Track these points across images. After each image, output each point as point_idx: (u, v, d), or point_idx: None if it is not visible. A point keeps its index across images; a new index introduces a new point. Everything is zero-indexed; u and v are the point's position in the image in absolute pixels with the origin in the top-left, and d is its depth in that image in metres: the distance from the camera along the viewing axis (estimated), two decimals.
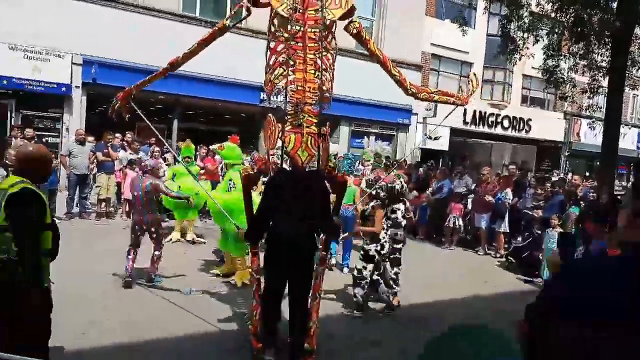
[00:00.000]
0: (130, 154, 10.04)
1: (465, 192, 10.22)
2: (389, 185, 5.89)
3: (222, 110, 15.43)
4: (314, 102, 3.92)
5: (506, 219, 9.31)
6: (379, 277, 5.74)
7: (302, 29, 3.91)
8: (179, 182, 7.70)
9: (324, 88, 4.01)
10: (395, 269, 5.81)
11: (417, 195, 10.50)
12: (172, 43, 12.63)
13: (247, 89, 13.59)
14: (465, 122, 19.36)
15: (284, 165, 4.19)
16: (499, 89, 20.30)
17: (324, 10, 3.97)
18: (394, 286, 5.78)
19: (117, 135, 10.77)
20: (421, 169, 12.62)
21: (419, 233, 10.70)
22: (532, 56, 13.12)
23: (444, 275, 7.62)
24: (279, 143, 4.01)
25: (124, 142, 10.59)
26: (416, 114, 17.56)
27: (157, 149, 10.62)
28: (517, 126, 20.93)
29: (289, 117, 3.93)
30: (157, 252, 5.90)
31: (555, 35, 13.02)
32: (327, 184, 4.12)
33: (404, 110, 16.96)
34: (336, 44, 4.17)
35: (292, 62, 3.92)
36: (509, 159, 16.80)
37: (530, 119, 21.13)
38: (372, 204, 5.69)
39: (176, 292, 5.59)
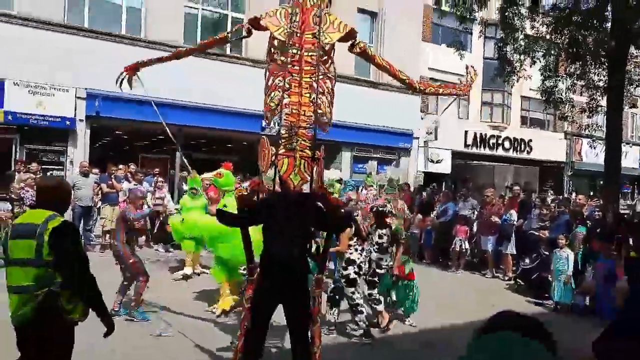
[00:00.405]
0: (134, 184, 10.07)
1: (470, 215, 10.18)
2: (380, 208, 5.90)
3: (224, 139, 15.55)
4: (308, 125, 3.90)
5: (512, 240, 9.24)
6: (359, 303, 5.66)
7: (298, 52, 3.93)
8: (185, 215, 7.51)
9: (320, 112, 4.00)
10: (370, 291, 5.77)
11: (422, 218, 10.46)
12: (173, 73, 12.88)
13: (249, 118, 13.70)
14: (466, 145, 19.43)
15: (277, 188, 4.12)
16: (498, 111, 20.45)
17: (322, 34, 3.99)
18: (374, 305, 5.76)
19: (121, 166, 10.83)
20: (424, 193, 12.61)
21: (425, 257, 10.61)
22: (530, 77, 13.27)
23: (452, 299, 7.52)
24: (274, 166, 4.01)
25: (127, 174, 10.64)
26: (417, 138, 17.65)
27: (160, 179, 10.67)
28: (519, 147, 20.97)
29: (283, 140, 3.92)
30: (125, 283, 5.83)
31: (552, 57, 13.23)
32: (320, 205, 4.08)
33: (405, 134, 17.06)
34: (335, 69, 4.20)
35: (287, 86, 3.93)
36: (511, 181, 16.77)
37: (531, 140, 21.19)
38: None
39: (148, 329, 5.36)
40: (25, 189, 8.59)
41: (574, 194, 16.28)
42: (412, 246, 9.67)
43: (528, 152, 21.21)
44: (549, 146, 21.58)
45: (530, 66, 13.13)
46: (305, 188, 4.00)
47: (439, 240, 10.38)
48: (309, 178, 3.89)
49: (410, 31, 17.36)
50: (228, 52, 14.22)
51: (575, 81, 13.24)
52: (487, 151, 20.05)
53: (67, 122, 11.95)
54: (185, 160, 5.46)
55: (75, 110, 12.07)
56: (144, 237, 10.19)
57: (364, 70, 16.97)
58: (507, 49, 12.86)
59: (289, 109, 3.91)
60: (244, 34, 4.30)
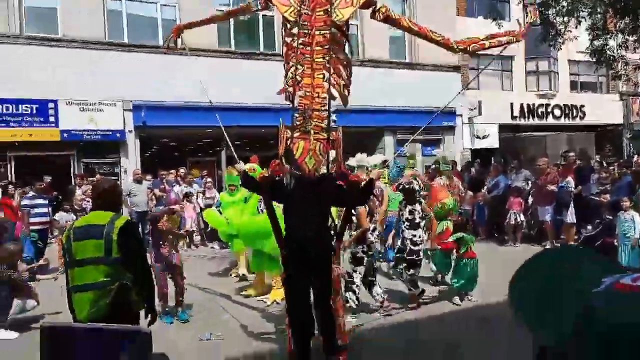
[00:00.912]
0: (184, 187, 10.42)
1: (524, 186, 9.80)
2: (406, 185, 5.80)
3: (266, 136, 15.75)
4: (322, 107, 3.82)
5: (571, 208, 8.83)
6: (373, 279, 5.58)
7: (310, 32, 3.80)
8: (225, 213, 7.20)
9: (335, 91, 3.93)
10: (412, 271, 5.67)
11: (473, 194, 10.19)
12: (210, 77, 13.18)
13: (289, 113, 13.82)
14: (513, 117, 18.72)
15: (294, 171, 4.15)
16: (545, 79, 19.53)
17: (333, 10, 3.82)
18: (412, 288, 5.70)
19: (171, 171, 11.22)
20: (473, 169, 12.27)
21: (479, 233, 10.33)
22: (576, 39, 12.58)
23: (509, 274, 7.27)
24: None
25: (177, 177, 11.00)
26: (460, 115, 17.18)
27: (209, 180, 10.98)
28: (570, 114, 19.97)
29: (297, 123, 3.87)
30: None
31: (599, 15, 12.45)
32: (341, 183, 4.06)
33: (447, 113, 16.63)
34: (350, 45, 4.08)
35: (300, 67, 3.84)
36: (565, 148, 16.00)
37: (583, 105, 20.12)
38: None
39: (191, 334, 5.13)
40: (87, 199, 9.07)
41: (635, 157, 15.34)
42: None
43: (581, 118, 20.16)
44: (603, 109, 20.41)
45: (576, 27, 12.43)
46: (324, 169, 3.99)
47: (492, 215, 10.07)
48: (323, 160, 3.82)
49: (444, 4, 16.86)
50: (262, 49, 14.39)
51: (626, 37, 12.43)
52: (536, 121, 19.23)
53: (118, 135, 12.52)
54: (233, 150, 5.45)
55: (123, 122, 12.62)
56: (198, 237, 10.52)
57: (399, 53, 16.70)
58: (550, 12, 12.23)
59: (302, 91, 3.83)
60: (259, 6, 4.26)
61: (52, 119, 11.92)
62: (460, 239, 6.04)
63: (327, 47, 3.81)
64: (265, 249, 5.79)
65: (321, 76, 3.81)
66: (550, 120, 19.55)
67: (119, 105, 12.55)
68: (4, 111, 11.50)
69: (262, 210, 5.99)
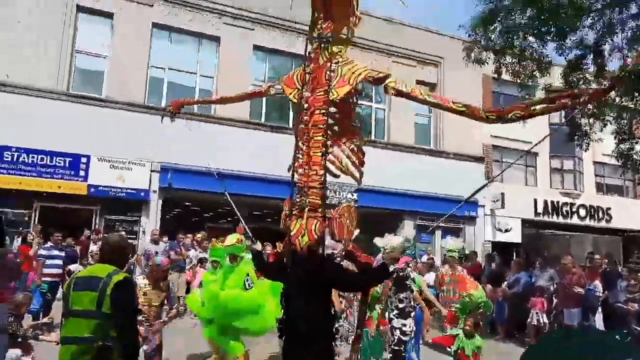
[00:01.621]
0: (199, 252, 10.36)
1: (548, 286, 9.42)
2: (399, 272, 5.53)
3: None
4: (319, 185, 3.77)
5: (599, 314, 8.38)
6: None
7: (309, 111, 3.86)
8: (203, 293, 6.12)
9: (335, 168, 3.89)
10: None
11: (492, 289, 9.81)
12: (240, 147, 13.56)
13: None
14: (537, 213, 18.47)
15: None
16: (570, 178, 19.49)
17: (330, 90, 3.84)
18: None
19: (189, 235, 11.24)
20: (494, 263, 11.93)
21: (498, 331, 9.80)
22: (601, 140, 12.66)
23: None
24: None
25: (194, 241, 10.99)
26: (483, 206, 17.06)
27: None
28: (596, 215, 19.61)
29: (296, 201, 3.85)
30: None
31: (624, 120, 12.61)
32: (345, 263, 3.97)
33: (470, 203, 16.54)
34: (358, 122, 4.06)
35: (300, 145, 3.87)
36: (590, 250, 15.52)
37: (609, 208, 19.80)
38: None
39: None
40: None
41: None
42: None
43: (607, 221, 19.74)
44: (630, 214, 20.01)
45: (601, 130, 12.57)
46: (332, 245, 3.88)
47: (512, 313, 9.60)
48: (316, 237, 3.68)
49: (470, 100, 17.31)
50: (291, 125, 14.88)
51: None
52: (561, 219, 18.91)
53: (142, 194, 12.76)
54: (242, 220, 5.41)
55: (149, 182, 12.91)
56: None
57: (424, 139, 17.05)
58: (575, 114, 12.44)
59: (302, 168, 3.84)
60: (273, 91, 4.39)
61: (82, 172, 12.29)
62: (456, 337, 5.36)
63: (324, 126, 3.83)
64: (237, 325, 5.57)
65: (319, 154, 3.79)
66: (575, 220, 19.21)
67: (148, 165, 12.91)
68: (38, 161, 11.94)
69: (249, 285, 5.74)
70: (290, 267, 3.78)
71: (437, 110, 17.10)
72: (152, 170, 12.98)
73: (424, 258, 11.28)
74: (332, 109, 3.92)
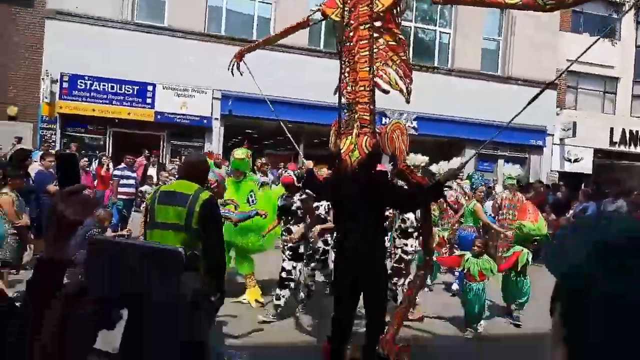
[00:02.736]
0: (260, 176, 10.73)
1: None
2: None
3: None
4: (367, 100, 3.75)
5: None
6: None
7: (353, 28, 3.81)
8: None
9: (382, 81, 3.79)
10: (403, 280, 5.27)
11: (555, 218, 9.53)
12: (299, 75, 13.46)
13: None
14: (612, 143, 17.25)
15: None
16: None
17: (374, 2, 3.75)
18: (392, 300, 5.13)
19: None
20: (559, 193, 11.47)
21: None
22: None
23: None
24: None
25: (254, 167, 11.36)
26: (552, 135, 16.14)
27: (284, 171, 11.24)
28: None
29: (344, 119, 3.86)
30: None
31: None
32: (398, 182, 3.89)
33: (537, 131, 15.71)
34: (401, 34, 3.88)
35: (346, 63, 3.84)
36: None
37: None
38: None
39: None
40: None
41: None
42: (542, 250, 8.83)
43: None
44: None
45: None
46: (386, 165, 3.86)
47: None
48: (367, 153, 3.68)
49: (546, 19, 15.95)
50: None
51: None
52: (639, 150, 17.59)
53: (205, 121, 13.20)
54: (294, 142, 5.45)
55: (211, 110, 13.29)
56: None
57: (491, 65, 16.05)
58: None
59: (348, 86, 3.82)
60: (320, 17, 4.27)
61: (149, 100, 12.85)
62: (463, 256, 5.43)
63: (369, 41, 3.76)
64: (240, 244, 5.54)
65: (365, 69, 3.75)
66: None
67: (209, 93, 13.22)
68: (109, 89, 12.58)
69: (253, 201, 5.73)
70: (342, 185, 3.79)
71: (507, 32, 15.89)
72: (213, 98, 13.30)
73: (482, 188, 11.05)
74: (377, 23, 3.82)
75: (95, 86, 12.51)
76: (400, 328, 3.83)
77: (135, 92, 12.79)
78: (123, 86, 12.70)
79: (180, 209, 3.10)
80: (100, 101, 12.55)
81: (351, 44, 3.80)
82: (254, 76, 5.29)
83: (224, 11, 14.02)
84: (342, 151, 3.77)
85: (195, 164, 3.42)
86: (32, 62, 12.64)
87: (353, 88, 3.78)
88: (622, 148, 17.36)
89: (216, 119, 13.39)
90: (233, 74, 5.48)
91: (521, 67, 15.71)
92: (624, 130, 17.29)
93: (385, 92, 3.84)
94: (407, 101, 3.84)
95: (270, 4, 14.29)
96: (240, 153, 5.72)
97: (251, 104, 13.19)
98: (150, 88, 12.87)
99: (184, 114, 12.99)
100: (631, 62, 17.32)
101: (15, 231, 5.71)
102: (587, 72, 17.01)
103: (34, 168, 8.18)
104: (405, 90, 3.81)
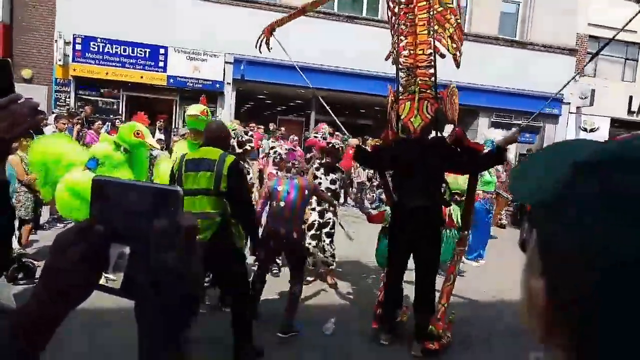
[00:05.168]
0: (272, 141, 10.78)
1: None
2: (330, 145, 5.21)
3: (358, 103, 15.70)
4: (428, 64, 3.71)
5: None
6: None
7: None
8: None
9: (441, 45, 3.73)
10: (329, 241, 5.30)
11: None
12: (307, 38, 13.26)
13: (382, 81, 13.62)
14: (630, 112, 16.88)
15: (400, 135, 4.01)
16: None
17: None
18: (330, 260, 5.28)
19: (261, 126, 11.66)
20: None
21: None
22: None
23: None
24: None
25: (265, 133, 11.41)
26: (568, 103, 15.83)
27: (296, 138, 11.28)
28: None
29: (403, 83, 3.83)
30: (297, 287, 4.03)
31: None
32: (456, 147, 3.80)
33: (552, 99, 15.39)
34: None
35: (404, 27, 3.78)
36: None
37: None
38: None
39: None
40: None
41: None
42: None
43: None
44: None
45: None
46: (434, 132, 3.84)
47: None
48: (429, 118, 3.70)
49: None
50: (364, 14, 14.17)
51: None
52: None
53: (217, 85, 13.16)
54: (338, 121, 5.30)
55: (224, 74, 13.22)
56: None
57: (509, 29, 15.60)
58: None
59: (406, 50, 3.78)
60: None
61: (161, 64, 12.80)
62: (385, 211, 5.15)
63: (428, 3, 3.70)
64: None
65: (425, 32, 3.69)
66: None
67: (221, 57, 13.12)
68: (122, 52, 12.53)
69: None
70: (403, 152, 3.76)
71: None
72: (226, 62, 13.20)
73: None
74: None
75: (108, 49, 12.46)
76: (448, 305, 3.88)
77: (147, 55, 12.73)
78: (135, 49, 12.63)
79: (209, 174, 3.21)
80: (113, 64, 12.53)
81: (410, 6, 3.75)
82: (286, 50, 5.12)
83: None
84: (402, 117, 3.76)
85: (215, 131, 3.51)
86: (44, 24, 12.59)
87: (411, 52, 3.74)
88: None
89: (228, 83, 13.34)
90: (261, 51, 5.24)
91: (541, 31, 15.26)
92: None
93: (442, 56, 3.78)
94: (458, 66, 3.77)
95: None
96: (193, 109, 4.87)
97: (262, 68, 13.08)
98: (162, 51, 12.80)
99: (196, 78, 12.96)
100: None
101: (26, 189, 5.85)
102: (609, 38, 16.46)
103: (48, 130, 8.32)
104: (458, 55, 3.75)
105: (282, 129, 12.80)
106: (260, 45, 5.31)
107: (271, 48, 5.29)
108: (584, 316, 0.39)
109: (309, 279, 5.36)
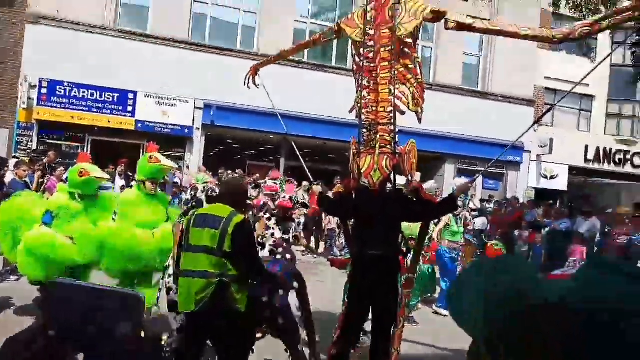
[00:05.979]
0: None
1: (589, 236, 9.19)
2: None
3: (327, 149, 15.87)
4: (388, 121, 3.85)
5: None
6: None
7: (374, 49, 3.91)
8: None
9: (401, 102, 3.86)
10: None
11: (531, 234, 9.70)
12: (278, 85, 13.45)
13: (351, 128, 13.86)
14: (586, 160, 17.69)
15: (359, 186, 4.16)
16: (627, 124, 18.36)
17: (397, 26, 3.84)
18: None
19: (229, 171, 11.58)
20: (538, 211, 11.66)
21: None
22: None
23: None
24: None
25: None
26: (529, 152, 16.47)
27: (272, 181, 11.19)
28: None
29: (364, 138, 3.95)
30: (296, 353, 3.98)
31: None
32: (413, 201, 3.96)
33: (515, 147, 16.00)
34: (418, 58, 3.99)
35: (366, 84, 3.94)
36: None
37: None
38: None
39: None
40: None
41: None
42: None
43: None
44: None
45: None
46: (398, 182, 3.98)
47: (548, 259, 9.51)
48: (388, 173, 3.83)
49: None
50: (333, 63, 14.59)
51: None
52: (612, 167, 18.07)
53: (186, 130, 13.10)
54: (306, 168, 5.39)
55: (193, 119, 13.20)
56: None
57: (471, 80, 16.33)
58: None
59: (368, 107, 3.91)
60: (333, 35, 4.37)
61: (129, 108, 12.71)
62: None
63: (391, 62, 3.85)
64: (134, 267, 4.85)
65: (386, 91, 3.85)
66: (628, 168, 18.29)
67: (191, 102, 13.15)
68: (89, 96, 12.40)
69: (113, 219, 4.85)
70: (362, 202, 3.92)
71: (488, 49, 16.21)
72: (195, 107, 13.22)
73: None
74: (398, 47, 3.89)
75: (75, 93, 12.31)
76: (400, 350, 3.93)
77: (115, 100, 12.64)
78: (103, 93, 12.54)
79: (214, 231, 3.10)
80: (80, 108, 12.35)
81: (372, 65, 3.91)
82: (268, 92, 5.36)
83: (208, 19, 13.99)
84: (362, 170, 3.88)
85: (233, 188, 3.49)
86: (10, 67, 12.39)
87: (374, 109, 3.88)
88: (596, 166, 17.81)
89: (197, 128, 13.31)
90: (249, 87, 5.50)
91: (501, 83, 16.04)
92: (597, 148, 17.76)
93: (402, 113, 3.92)
94: (420, 121, 3.93)
95: (255, 13, 14.33)
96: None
97: (233, 113, 13.19)
98: (131, 96, 12.73)
99: (165, 123, 12.88)
100: (606, 80, 17.82)
101: None
102: (564, 90, 17.45)
103: (8, 177, 8.01)
104: (420, 114, 3.90)
105: (257, 175, 12.72)
106: (248, 82, 5.56)
107: (258, 85, 5.50)
108: None
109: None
